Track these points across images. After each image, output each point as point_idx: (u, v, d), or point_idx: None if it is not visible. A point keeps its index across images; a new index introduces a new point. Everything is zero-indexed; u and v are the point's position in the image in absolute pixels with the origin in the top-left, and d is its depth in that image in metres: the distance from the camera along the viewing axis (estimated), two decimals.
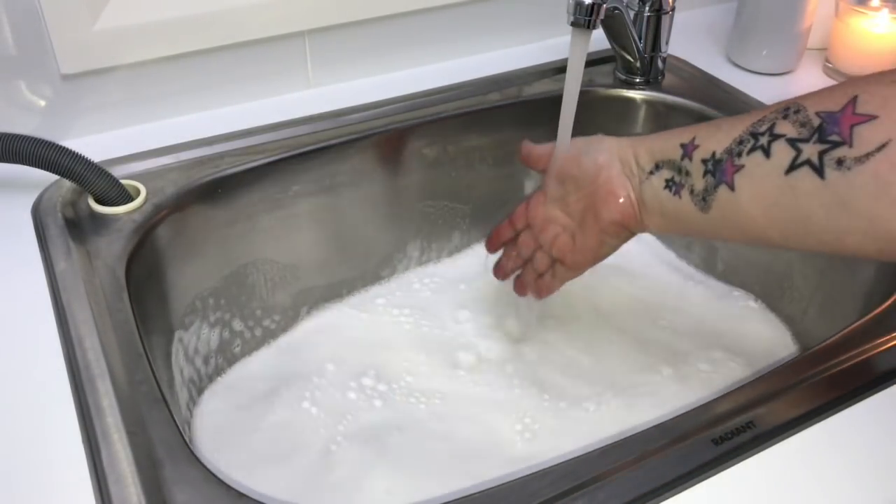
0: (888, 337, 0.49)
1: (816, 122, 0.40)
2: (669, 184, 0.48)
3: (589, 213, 0.53)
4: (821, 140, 0.39)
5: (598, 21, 0.56)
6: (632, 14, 0.74)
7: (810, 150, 0.40)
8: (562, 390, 0.65)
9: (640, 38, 0.75)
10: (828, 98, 0.40)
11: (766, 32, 0.80)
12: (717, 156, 0.45)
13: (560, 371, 0.67)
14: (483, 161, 0.76)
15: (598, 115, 0.77)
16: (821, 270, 0.67)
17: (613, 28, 0.75)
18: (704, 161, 0.45)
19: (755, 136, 0.42)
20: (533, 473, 0.41)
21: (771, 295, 0.71)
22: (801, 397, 0.46)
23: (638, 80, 0.78)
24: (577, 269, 0.57)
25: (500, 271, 0.63)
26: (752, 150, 0.42)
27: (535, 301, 0.61)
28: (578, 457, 0.42)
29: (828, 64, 0.83)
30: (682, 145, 0.47)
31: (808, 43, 0.82)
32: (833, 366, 0.47)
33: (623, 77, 0.79)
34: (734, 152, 0.44)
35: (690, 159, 0.46)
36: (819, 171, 0.39)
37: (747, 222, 0.44)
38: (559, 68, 0.80)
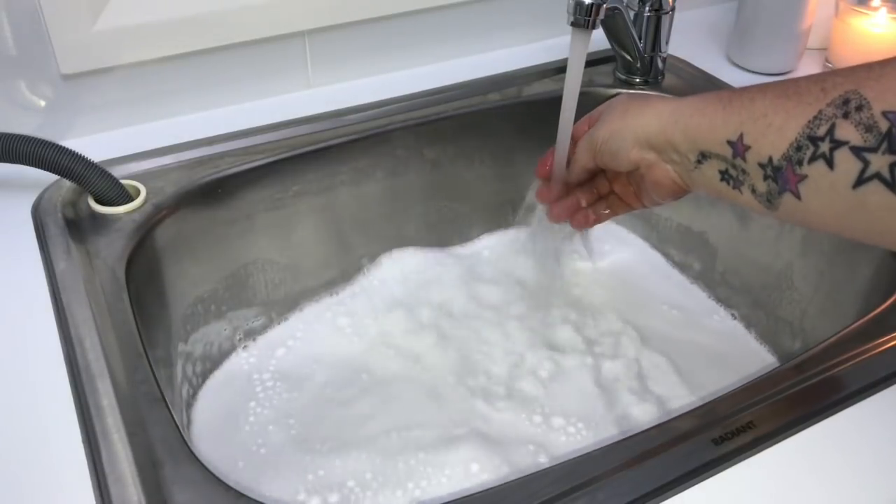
0: (888, 337, 0.49)
1: (884, 125, 0.35)
2: (725, 177, 0.44)
3: (642, 186, 0.52)
4: (891, 150, 0.35)
5: (598, 21, 0.56)
6: (632, 14, 0.74)
7: (879, 163, 0.35)
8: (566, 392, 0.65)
9: (640, 38, 0.75)
10: (893, 89, 0.35)
11: (766, 32, 0.80)
12: (776, 162, 0.40)
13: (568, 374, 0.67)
14: (483, 161, 0.76)
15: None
16: (821, 271, 0.67)
17: (613, 28, 0.75)
18: (762, 165, 0.41)
19: (814, 140, 0.38)
20: (533, 473, 0.41)
21: (771, 295, 0.71)
22: (801, 397, 0.46)
23: (638, 80, 0.78)
24: (634, 208, 0.56)
25: (559, 214, 0.60)
26: (814, 158, 0.38)
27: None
28: (578, 457, 0.42)
29: (828, 64, 0.83)
30: (730, 143, 0.43)
31: (808, 43, 0.82)
32: (833, 366, 0.47)
33: (623, 77, 0.78)
34: (793, 160, 0.39)
35: (744, 159, 0.42)
36: (891, 185, 0.35)
37: (819, 226, 0.40)
38: (559, 68, 0.80)
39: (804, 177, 0.39)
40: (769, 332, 0.71)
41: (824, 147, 0.37)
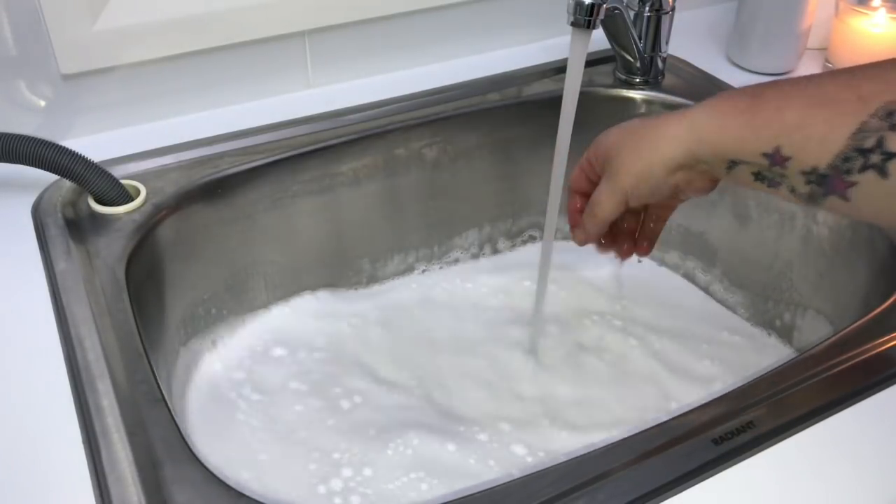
0: (888, 337, 0.49)
1: None
2: (760, 177, 0.43)
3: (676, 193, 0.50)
4: None
5: (598, 21, 0.56)
6: (632, 14, 0.74)
7: None
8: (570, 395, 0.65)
9: (640, 38, 0.75)
10: None
11: (766, 32, 0.80)
12: (821, 171, 0.39)
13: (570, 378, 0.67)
14: (483, 161, 0.76)
15: (598, 115, 0.77)
16: (820, 271, 0.67)
17: (613, 28, 0.74)
18: (805, 173, 0.40)
19: (863, 152, 0.38)
20: (533, 473, 0.41)
21: (770, 295, 0.71)
22: (801, 397, 0.46)
23: (638, 80, 0.78)
24: (673, 209, 0.54)
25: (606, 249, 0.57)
26: (864, 168, 0.38)
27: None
28: (578, 457, 0.42)
29: (828, 64, 0.83)
30: (766, 155, 0.41)
31: (808, 43, 0.82)
32: (833, 366, 0.47)
33: (623, 77, 0.78)
34: (841, 169, 0.39)
35: (783, 167, 0.41)
36: None
37: (865, 220, 0.41)
38: (559, 68, 0.80)
39: (854, 183, 0.39)
40: (769, 333, 0.71)
41: (875, 158, 0.37)
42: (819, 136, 0.39)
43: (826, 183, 0.40)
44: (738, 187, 0.46)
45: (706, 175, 0.46)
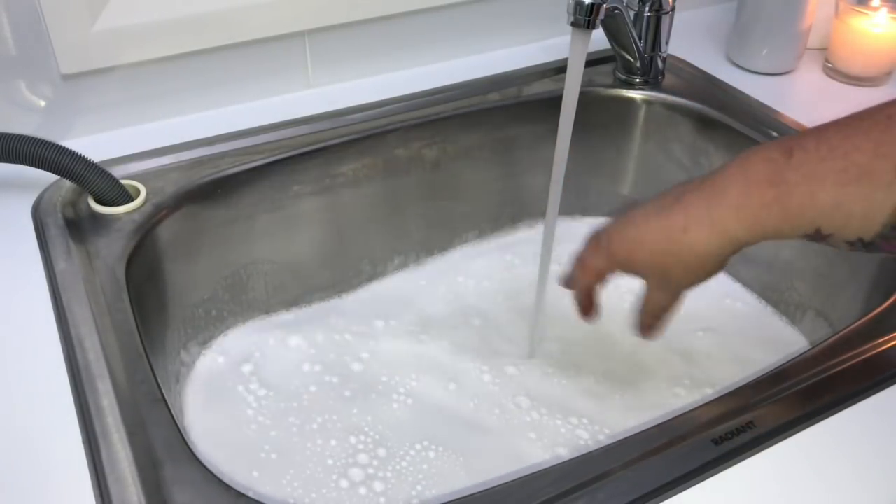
0: (888, 337, 0.49)
1: None
2: (806, 237, 0.41)
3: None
4: None
5: (598, 21, 0.56)
6: (632, 14, 0.74)
7: None
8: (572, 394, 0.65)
9: (640, 38, 0.75)
10: None
11: (766, 32, 0.80)
12: (866, 240, 0.38)
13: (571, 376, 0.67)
14: (483, 161, 0.76)
15: (598, 115, 0.78)
16: (820, 271, 0.67)
17: (613, 28, 0.74)
18: (850, 243, 0.39)
19: None
20: (533, 473, 0.41)
21: (771, 295, 0.71)
22: (801, 397, 0.46)
23: (638, 80, 0.78)
24: None
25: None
26: None
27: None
28: (578, 457, 0.42)
29: (828, 64, 0.83)
30: (807, 235, 0.40)
31: (808, 43, 0.82)
32: (833, 366, 0.47)
33: (623, 77, 0.78)
34: (887, 237, 0.38)
35: (825, 240, 0.40)
36: None
37: None
38: (559, 68, 0.80)
39: None
40: (769, 333, 0.71)
41: None
42: (860, 214, 0.38)
43: (874, 247, 0.39)
44: None
45: (735, 249, 0.44)
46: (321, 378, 0.66)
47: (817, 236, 0.39)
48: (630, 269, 0.48)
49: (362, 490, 0.56)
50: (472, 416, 0.63)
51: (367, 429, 0.61)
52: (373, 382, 0.66)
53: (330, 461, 0.59)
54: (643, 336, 0.52)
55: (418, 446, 0.60)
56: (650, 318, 0.51)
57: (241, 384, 0.65)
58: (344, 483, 0.57)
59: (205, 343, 0.66)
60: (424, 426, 0.62)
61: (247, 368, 0.66)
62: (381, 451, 0.60)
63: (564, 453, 0.59)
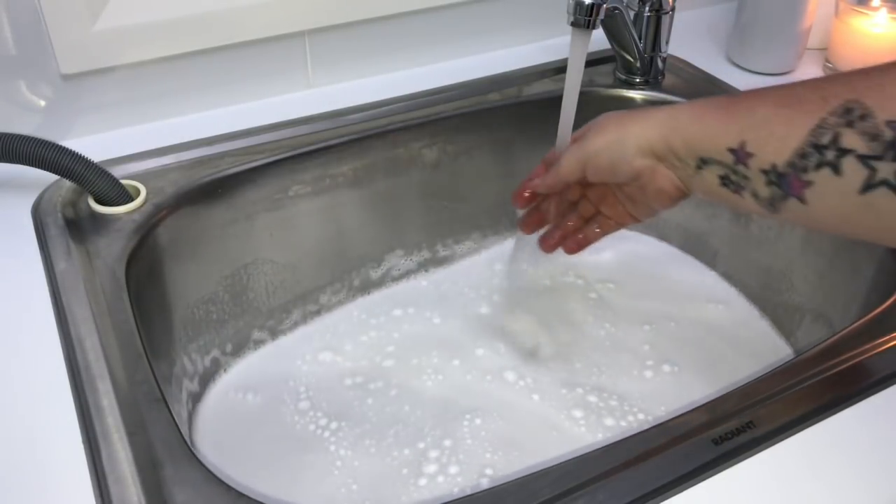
0: (888, 337, 0.49)
1: (889, 134, 0.36)
2: (726, 181, 0.44)
3: (637, 197, 0.51)
4: None
5: (598, 21, 0.56)
6: (632, 14, 0.75)
7: (886, 170, 0.36)
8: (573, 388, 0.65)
9: (640, 38, 0.75)
10: (893, 97, 0.36)
11: (766, 32, 0.80)
12: (780, 169, 0.41)
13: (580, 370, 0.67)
14: (483, 161, 0.76)
15: (598, 115, 0.77)
16: (820, 271, 0.67)
17: (613, 28, 0.75)
18: (765, 172, 0.41)
19: (819, 148, 0.38)
20: (533, 473, 0.41)
21: (771, 295, 0.71)
22: (800, 397, 0.46)
23: (638, 80, 0.78)
24: (625, 225, 0.55)
25: (531, 223, 0.59)
26: (819, 165, 0.39)
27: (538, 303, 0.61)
28: (578, 457, 0.42)
29: (828, 64, 0.83)
30: (732, 150, 0.43)
31: (808, 43, 0.82)
32: (833, 366, 0.47)
33: (623, 77, 0.79)
34: (798, 167, 0.40)
35: (746, 166, 0.42)
36: None
37: (825, 227, 0.41)
38: (559, 68, 0.80)
39: (809, 182, 0.39)
40: (769, 333, 0.71)
41: (830, 155, 0.38)
42: (780, 133, 0.40)
43: (785, 183, 0.40)
44: (708, 200, 0.47)
45: (671, 176, 0.47)
46: (324, 377, 0.66)
47: (741, 153, 0.42)
48: (586, 127, 0.52)
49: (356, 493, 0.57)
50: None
51: (368, 425, 0.61)
52: (373, 381, 0.66)
53: (332, 456, 0.59)
54: (526, 187, 0.57)
55: (421, 444, 0.60)
56: (549, 172, 0.54)
57: (241, 383, 0.65)
58: (350, 485, 0.57)
59: (205, 343, 0.66)
60: (423, 417, 0.62)
61: (246, 367, 0.66)
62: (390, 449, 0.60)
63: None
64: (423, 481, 0.57)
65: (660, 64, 0.78)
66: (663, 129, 0.46)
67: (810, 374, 0.47)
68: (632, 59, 0.77)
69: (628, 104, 0.78)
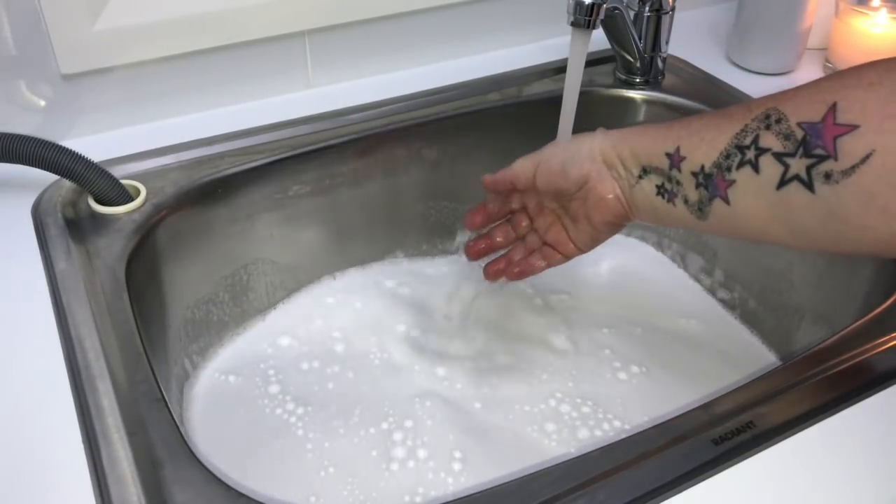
0: (887, 337, 0.49)
1: (800, 134, 0.40)
2: (661, 191, 0.48)
3: (580, 214, 0.54)
4: (806, 154, 0.39)
5: (598, 21, 0.56)
6: (632, 14, 0.75)
7: (798, 166, 0.40)
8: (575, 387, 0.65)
9: (640, 38, 0.75)
10: (807, 105, 0.40)
11: (766, 32, 0.80)
12: (707, 170, 0.45)
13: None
14: (483, 161, 0.76)
15: (598, 115, 0.77)
16: (820, 271, 0.67)
17: (613, 28, 0.75)
18: (694, 174, 0.46)
19: (741, 149, 0.43)
20: (533, 473, 0.41)
21: (770, 295, 0.71)
22: (800, 397, 0.46)
23: (638, 80, 0.78)
24: (570, 256, 0.57)
25: (478, 250, 0.61)
26: (741, 164, 0.43)
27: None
28: (578, 457, 0.42)
29: (828, 64, 0.83)
30: (668, 154, 0.47)
31: (808, 43, 0.82)
32: (833, 366, 0.47)
33: (623, 77, 0.79)
34: (723, 167, 0.44)
35: (679, 170, 0.47)
36: (809, 185, 0.40)
37: (746, 230, 0.44)
38: (559, 68, 0.80)
39: (732, 181, 0.43)
40: (769, 333, 0.71)
41: (750, 154, 0.42)
42: (710, 138, 0.45)
43: (711, 184, 0.45)
44: (643, 221, 0.52)
45: (615, 186, 0.51)
46: (323, 377, 0.66)
47: (675, 157, 0.47)
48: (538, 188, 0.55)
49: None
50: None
51: (367, 426, 0.61)
52: (377, 379, 0.66)
53: (332, 456, 0.59)
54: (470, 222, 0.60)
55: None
56: (501, 170, 0.57)
57: (241, 383, 0.65)
58: (350, 480, 0.57)
59: (205, 343, 0.66)
60: (421, 416, 0.62)
61: (246, 367, 0.66)
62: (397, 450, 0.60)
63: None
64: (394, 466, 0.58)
65: (660, 64, 0.78)
66: (614, 140, 0.51)
67: (810, 374, 0.47)
68: (632, 59, 0.77)
69: (628, 104, 0.78)
